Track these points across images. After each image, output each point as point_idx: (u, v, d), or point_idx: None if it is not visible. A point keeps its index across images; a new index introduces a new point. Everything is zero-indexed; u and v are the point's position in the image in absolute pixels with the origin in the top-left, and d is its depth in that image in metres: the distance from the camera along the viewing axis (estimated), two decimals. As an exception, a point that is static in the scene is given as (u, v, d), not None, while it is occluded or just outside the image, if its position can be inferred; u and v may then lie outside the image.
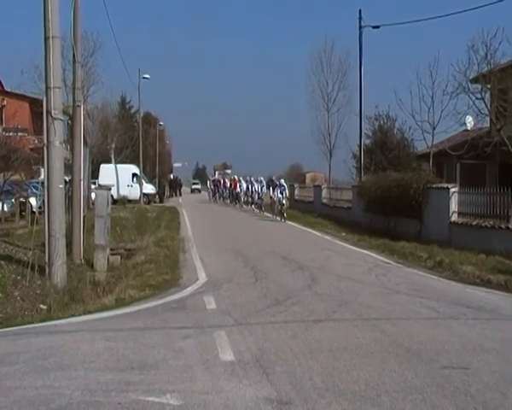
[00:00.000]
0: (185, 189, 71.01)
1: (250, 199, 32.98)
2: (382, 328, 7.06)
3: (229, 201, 39.47)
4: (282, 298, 8.88)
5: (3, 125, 30.10)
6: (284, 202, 25.85)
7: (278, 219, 25.33)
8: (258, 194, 31.17)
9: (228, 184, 40.18)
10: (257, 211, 30.58)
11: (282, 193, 25.84)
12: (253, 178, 33.34)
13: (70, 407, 4.50)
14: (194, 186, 78.30)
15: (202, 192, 65.44)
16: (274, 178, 31.38)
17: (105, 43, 40.46)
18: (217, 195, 43.73)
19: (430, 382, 5.03)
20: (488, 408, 4.45)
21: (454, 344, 6.29)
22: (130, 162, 42.47)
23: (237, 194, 36.36)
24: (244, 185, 34.99)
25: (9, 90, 36.77)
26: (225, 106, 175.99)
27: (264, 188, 30.41)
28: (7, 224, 17.87)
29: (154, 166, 55.65)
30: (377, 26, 26.48)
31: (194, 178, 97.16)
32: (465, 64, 19.26)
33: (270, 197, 27.98)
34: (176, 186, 54.67)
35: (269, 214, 27.56)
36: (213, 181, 46.71)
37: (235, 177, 38.52)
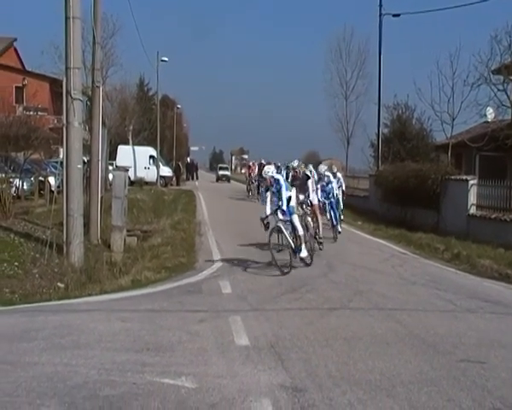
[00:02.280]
0: (203, 173, 68.83)
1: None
2: (398, 318, 7.03)
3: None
4: (297, 285, 8.87)
5: (24, 104, 30.33)
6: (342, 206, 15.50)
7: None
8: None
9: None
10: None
11: (329, 193, 14.53)
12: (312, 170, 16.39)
13: (86, 386, 4.56)
14: (221, 172, 58.03)
15: (232, 182, 52.25)
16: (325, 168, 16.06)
17: (124, 26, 40.64)
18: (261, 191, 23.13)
19: (446, 375, 5.00)
20: (506, 404, 4.40)
21: (471, 338, 6.23)
22: (148, 144, 42.59)
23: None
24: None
25: (30, 69, 37.10)
26: (242, 92, 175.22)
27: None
28: (26, 202, 18.06)
29: (172, 148, 55.78)
30: (397, 15, 26.05)
31: (214, 162, 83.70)
32: (487, 55, 18.88)
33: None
34: (192, 169, 54.65)
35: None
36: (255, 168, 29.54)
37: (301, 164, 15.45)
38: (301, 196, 11.90)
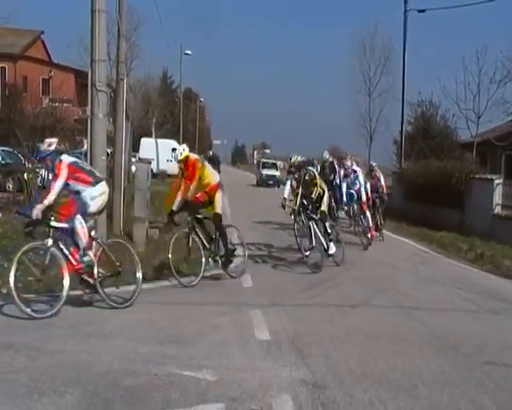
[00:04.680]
0: (228, 169, 67.22)
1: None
2: (419, 318, 6.97)
3: None
4: (318, 281, 8.84)
5: (50, 95, 30.76)
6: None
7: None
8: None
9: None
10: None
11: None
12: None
13: (109, 375, 4.63)
14: (266, 172, 39.41)
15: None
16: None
17: (148, 19, 40.88)
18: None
19: (469, 376, 4.94)
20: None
21: (494, 340, 6.14)
22: (171, 137, 42.82)
23: None
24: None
25: (57, 62, 37.62)
26: (264, 86, 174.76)
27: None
28: (51, 192, 18.27)
29: (194, 142, 56.01)
30: (423, 10, 25.71)
31: (236, 156, 70.45)
32: (516, 51, 18.55)
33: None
34: (215, 163, 54.61)
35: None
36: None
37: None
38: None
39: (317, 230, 9.79)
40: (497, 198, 16.00)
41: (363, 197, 12.76)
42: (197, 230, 8.62)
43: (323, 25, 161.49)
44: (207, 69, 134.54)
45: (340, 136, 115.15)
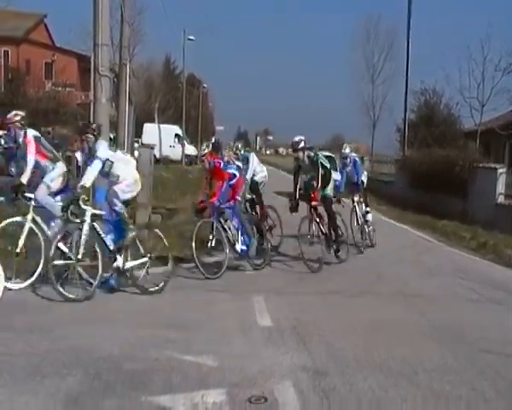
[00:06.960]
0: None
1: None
2: (420, 307, 6.95)
3: None
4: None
5: (53, 79, 30.64)
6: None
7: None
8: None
9: None
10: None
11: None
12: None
13: (110, 359, 4.65)
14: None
15: None
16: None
17: (152, 3, 40.57)
18: None
19: (469, 365, 4.93)
20: (531, 397, 4.33)
21: (495, 330, 6.11)
22: (173, 123, 42.70)
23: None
24: None
25: (59, 45, 37.44)
26: (267, 74, 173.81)
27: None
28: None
29: (197, 127, 55.84)
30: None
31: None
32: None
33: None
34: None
35: None
36: None
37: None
38: None
39: None
40: (501, 187, 15.94)
41: None
42: None
43: (329, 21, 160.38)
44: (211, 54, 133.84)
45: (345, 122, 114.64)
